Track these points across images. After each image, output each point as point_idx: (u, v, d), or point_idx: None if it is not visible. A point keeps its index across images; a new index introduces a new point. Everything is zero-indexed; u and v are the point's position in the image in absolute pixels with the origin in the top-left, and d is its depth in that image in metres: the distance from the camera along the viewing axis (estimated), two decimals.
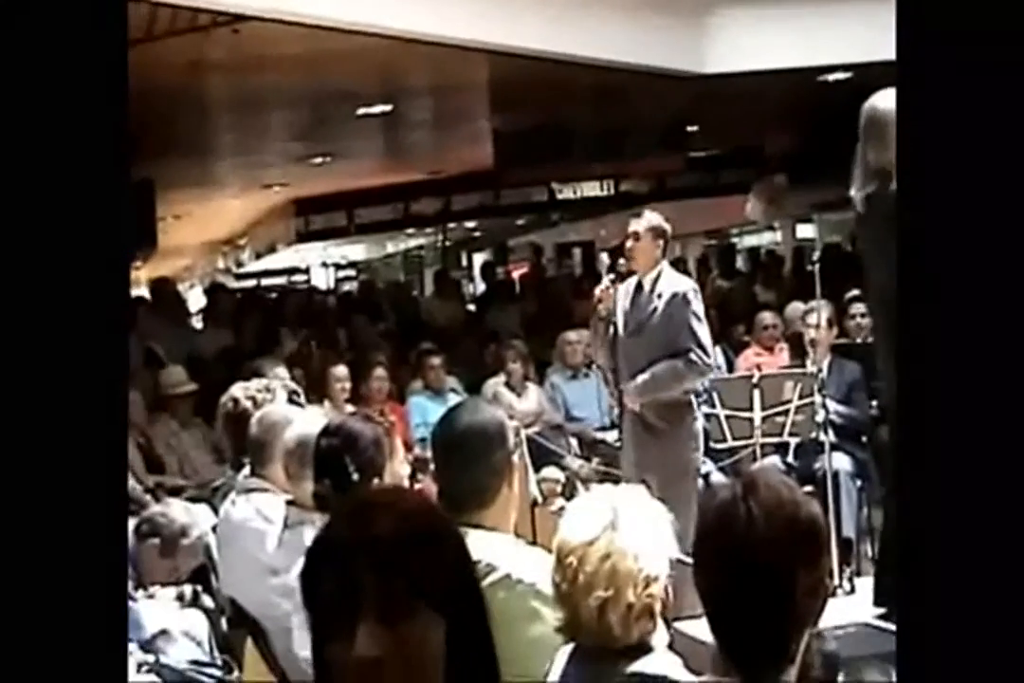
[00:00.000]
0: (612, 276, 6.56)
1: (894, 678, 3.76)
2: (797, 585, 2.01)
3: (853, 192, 5.34)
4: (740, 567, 2.02)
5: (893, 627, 5.08)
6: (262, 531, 4.36)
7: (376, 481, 3.65)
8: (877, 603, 5.43)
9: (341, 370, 8.47)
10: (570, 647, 2.64)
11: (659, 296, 6.49)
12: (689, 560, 2.63)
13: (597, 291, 6.58)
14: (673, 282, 6.59)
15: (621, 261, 6.62)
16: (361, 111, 10.58)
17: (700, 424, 6.64)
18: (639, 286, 6.56)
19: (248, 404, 5.31)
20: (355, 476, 3.61)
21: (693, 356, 6.40)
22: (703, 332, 6.49)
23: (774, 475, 2.20)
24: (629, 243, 6.58)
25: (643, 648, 2.56)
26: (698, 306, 6.48)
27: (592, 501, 2.67)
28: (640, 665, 2.51)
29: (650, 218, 6.66)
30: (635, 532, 2.57)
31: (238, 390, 5.48)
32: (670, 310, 6.44)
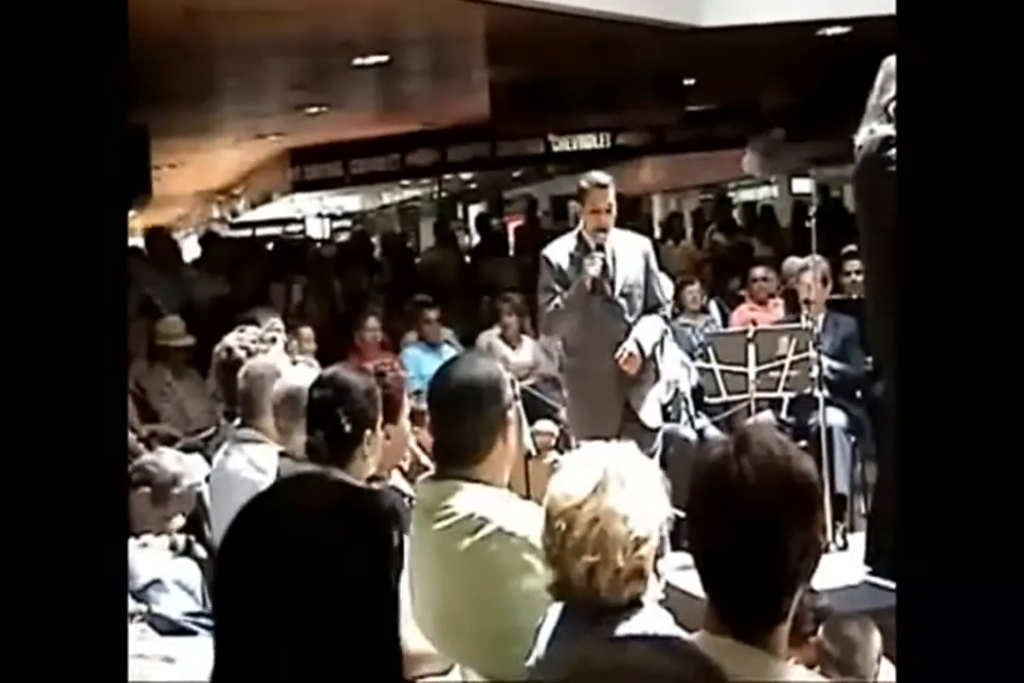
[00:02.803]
0: (601, 254, 6.26)
1: (876, 634, 3.79)
2: (790, 542, 2.01)
3: (856, 138, 5.39)
4: (732, 524, 2.01)
5: (885, 583, 5.11)
6: (255, 482, 4.37)
7: (368, 433, 3.64)
8: (867, 561, 5.45)
9: (306, 331, 8.46)
10: (561, 604, 2.63)
11: (627, 255, 6.39)
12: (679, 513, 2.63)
13: (594, 271, 6.22)
14: (631, 238, 6.56)
15: (603, 235, 6.31)
16: (357, 61, 10.51)
17: None
18: (600, 248, 6.32)
19: (242, 354, 5.31)
20: (347, 427, 3.61)
21: (665, 312, 6.56)
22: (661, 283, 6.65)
23: (767, 432, 2.18)
24: (603, 217, 6.31)
25: (633, 607, 2.56)
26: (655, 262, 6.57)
27: (581, 461, 2.63)
28: (630, 625, 2.50)
29: (611, 187, 6.44)
30: (624, 493, 2.54)
31: (232, 340, 5.47)
32: (643, 269, 6.41)
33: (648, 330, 6.35)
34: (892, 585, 5.03)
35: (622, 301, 6.30)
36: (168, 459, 4.93)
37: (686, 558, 2.20)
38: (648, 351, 6.31)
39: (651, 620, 2.54)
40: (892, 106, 5.24)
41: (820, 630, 3.75)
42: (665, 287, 7.49)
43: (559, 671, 1.30)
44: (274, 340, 5.71)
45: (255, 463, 4.55)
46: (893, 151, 5.15)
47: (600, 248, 6.30)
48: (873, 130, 5.30)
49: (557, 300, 6.31)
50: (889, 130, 5.23)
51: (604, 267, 6.27)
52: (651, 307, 6.42)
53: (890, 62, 5.38)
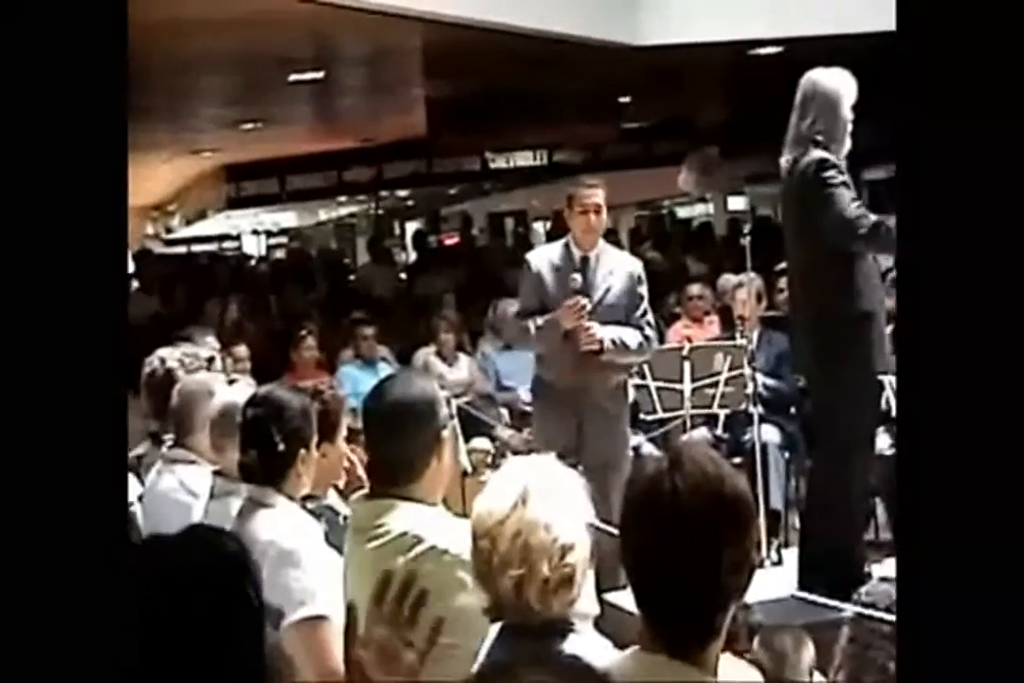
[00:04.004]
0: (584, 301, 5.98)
1: (809, 646, 3.81)
2: (723, 559, 2.02)
3: (782, 160, 5.51)
4: (666, 542, 2.02)
5: (815, 597, 5.15)
6: (187, 504, 4.34)
7: (303, 452, 3.62)
8: (800, 577, 5.46)
9: (241, 350, 8.42)
10: (499, 625, 2.62)
11: (611, 273, 6.15)
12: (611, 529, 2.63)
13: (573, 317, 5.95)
14: (621, 259, 6.35)
15: (590, 240, 6.13)
16: (293, 77, 10.49)
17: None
18: (585, 261, 6.14)
19: (175, 365, 5.24)
20: (281, 446, 3.58)
21: (650, 332, 6.22)
22: (650, 313, 6.35)
23: (700, 449, 2.19)
24: (592, 218, 6.11)
25: (567, 624, 2.56)
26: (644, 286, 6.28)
27: (502, 479, 2.62)
28: (565, 645, 2.50)
29: (601, 187, 6.26)
30: (546, 502, 2.54)
31: (165, 352, 5.40)
32: (627, 290, 6.15)
33: (622, 331, 6.05)
34: (822, 600, 5.08)
35: (595, 321, 6.01)
36: None
37: None
38: (608, 343, 5.97)
39: (586, 643, 2.53)
40: (818, 135, 5.38)
41: (755, 642, 3.76)
42: None
43: None
44: (212, 359, 5.66)
45: (186, 485, 4.51)
46: (829, 173, 5.28)
47: (585, 260, 6.10)
48: (804, 153, 5.40)
49: (529, 324, 6.08)
50: (821, 153, 5.34)
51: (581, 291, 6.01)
52: (632, 325, 6.13)
53: (807, 80, 5.52)
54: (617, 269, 6.18)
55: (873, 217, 5.38)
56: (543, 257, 6.26)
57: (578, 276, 6.01)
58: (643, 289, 6.24)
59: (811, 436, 5.89)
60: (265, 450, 3.59)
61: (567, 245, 6.23)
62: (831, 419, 5.55)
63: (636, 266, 6.31)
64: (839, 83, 5.49)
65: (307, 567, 3.35)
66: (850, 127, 5.48)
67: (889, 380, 6.93)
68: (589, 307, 5.97)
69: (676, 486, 2.04)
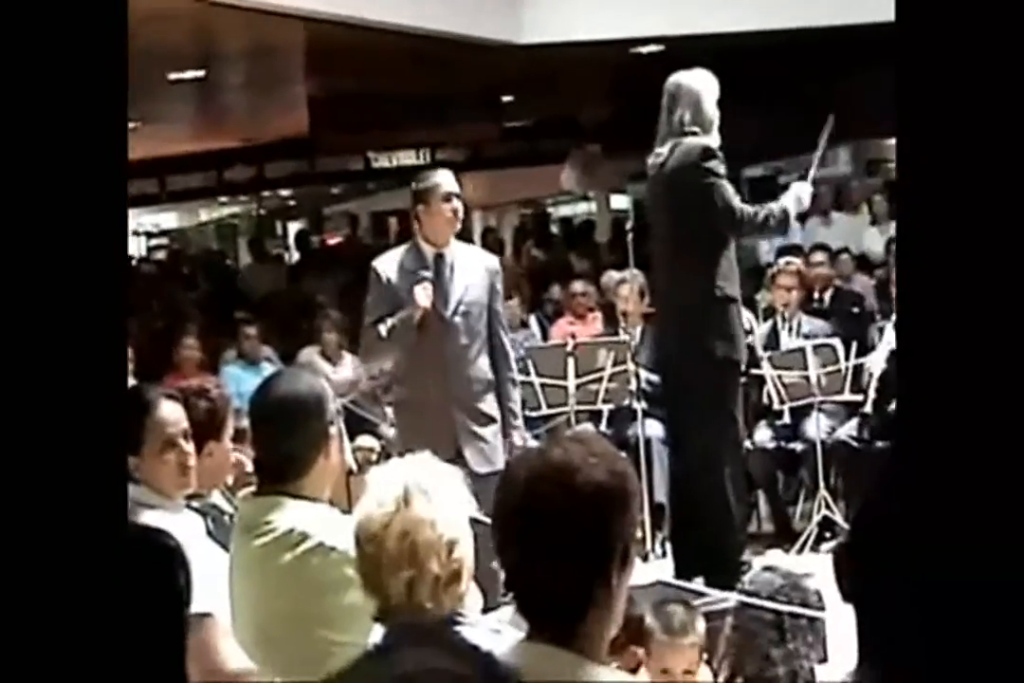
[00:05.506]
0: (429, 274, 5.54)
1: (700, 620, 3.86)
2: (572, 549, 2.03)
3: (655, 152, 5.74)
4: (513, 533, 2.06)
5: (688, 584, 5.21)
6: None
7: (132, 459, 3.43)
8: (679, 575, 5.50)
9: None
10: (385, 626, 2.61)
11: (466, 270, 5.67)
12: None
13: (424, 300, 5.49)
14: (476, 254, 5.93)
15: (442, 241, 5.65)
16: (173, 75, 10.39)
17: None
18: (440, 258, 5.65)
19: None
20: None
21: (514, 374, 5.84)
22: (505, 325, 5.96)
23: (563, 443, 2.14)
24: (456, 205, 5.60)
25: (458, 618, 2.56)
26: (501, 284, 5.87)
27: (381, 481, 2.62)
28: (457, 636, 2.51)
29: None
30: (428, 500, 2.55)
31: None
32: (486, 285, 5.68)
33: (511, 398, 5.74)
34: (688, 585, 5.14)
35: (458, 321, 5.59)
36: None
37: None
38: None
39: (475, 631, 2.54)
40: (687, 126, 5.62)
41: (648, 618, 3.80)
42: None
43: None
44: None
45: None
46: (712, 162, 5.54)
47: (440, 257, 5.63)
48: (681, 142, 5.57)
49: (381, 328, 5.60)
50: (703, 141, 5.54)
51: (438, 287, 5.57)
52: (494, 330, 5.71)
53: (671, 81, 5.77)
54: (474, 264, 5.75)
55: (749, 207, 5.60)
56: (391, 262, 5.74)
57: (427, 274, 5.54)
58: (500, 286, 5.81)
59: (675, 429, 5.96)
60: None
61: (415, 246, 5.73)
62: (696, 408, 5.64)
63: (492, 261, 5.88)
64: (700, 80, 5.77)
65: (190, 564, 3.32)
66: (716, 122, 5.66)
67: (771, 374, 7.05)
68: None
69: (517, 478, 2.07)
